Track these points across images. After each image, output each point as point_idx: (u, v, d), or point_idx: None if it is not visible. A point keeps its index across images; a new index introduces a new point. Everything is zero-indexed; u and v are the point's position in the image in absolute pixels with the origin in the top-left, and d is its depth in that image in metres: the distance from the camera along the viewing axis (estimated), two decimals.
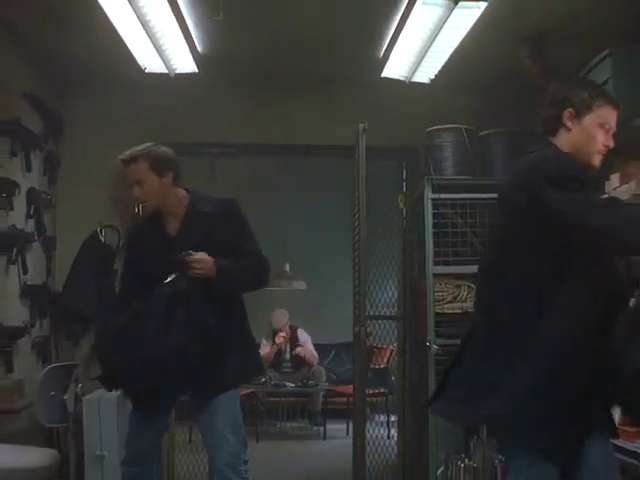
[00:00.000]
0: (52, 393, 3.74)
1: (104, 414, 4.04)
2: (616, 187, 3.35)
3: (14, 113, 4.20)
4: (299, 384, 7.16)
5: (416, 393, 4.74)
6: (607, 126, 2.33)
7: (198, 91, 4.76)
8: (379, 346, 7.04)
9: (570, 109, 2.32)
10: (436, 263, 4.28)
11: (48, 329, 4.79)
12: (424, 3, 3.44)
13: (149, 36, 3.78)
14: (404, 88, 4.48)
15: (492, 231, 2.57)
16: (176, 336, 2.76)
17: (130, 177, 2.99)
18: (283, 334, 7.41)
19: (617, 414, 2.58)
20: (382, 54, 4.29)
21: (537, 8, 3.79)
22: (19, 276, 4.34)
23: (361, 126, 4.21)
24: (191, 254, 2.86)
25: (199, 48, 4.25)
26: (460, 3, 3.38)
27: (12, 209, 4.16)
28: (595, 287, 2.16)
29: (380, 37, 4.13)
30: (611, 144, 2.36)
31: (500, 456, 4.04)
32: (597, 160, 2.36)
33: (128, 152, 2.98)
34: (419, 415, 4.62)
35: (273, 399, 7.30)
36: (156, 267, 2.93)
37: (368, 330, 4.46)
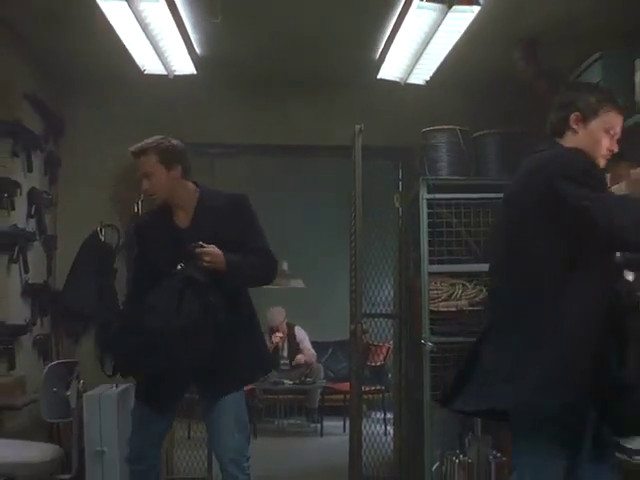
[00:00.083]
0: (54, 389, 3.78)
1: (104, 410, 4.07)
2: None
3: (15, 114, 4.23)
4: (297, 381, 7.15)
5: (412, 390, 4.79)
6: (612, 131, 2.38)
7: (197, 92, 4.80)
8: (375, 344, 7.05)
9: (577, 113, 2.36)
10: (431, 262, 4.32)
11: (49, 327, 4.81)
12: (419, 7, 3.47)
13: (148, 38, 3.81)
14: (400, 89, 4.52)
15: (497, 231, 2.59)
16: (189, 315, 2.75)
17: (139, 170, 3.00)
18: (280, 334, 7.36)
19: None
20: (378, 56, 4.32)
21: (530, 11, 3.83)
22: (20, 275, 4.36)
23: (357, 127, 4.27)
24: (202, 245, 2.85)
25: (198, 50, 4.28)
26: (454, 7, 3.42)
27: (14, 209, 4.18)
28: (605, 280, 2.22)
29: (376, 40, 4.17)
30: (615, 149, 2.40)
31: (497, 452, 4.13)
32: (601, 164, 2.40)
33: (138, 145, 2.99)
34: (415, 412, 4.66)
35: (271, 396, 7.31)
36: (165, 259, 2.91)
37: (364, 327, 4.51)
